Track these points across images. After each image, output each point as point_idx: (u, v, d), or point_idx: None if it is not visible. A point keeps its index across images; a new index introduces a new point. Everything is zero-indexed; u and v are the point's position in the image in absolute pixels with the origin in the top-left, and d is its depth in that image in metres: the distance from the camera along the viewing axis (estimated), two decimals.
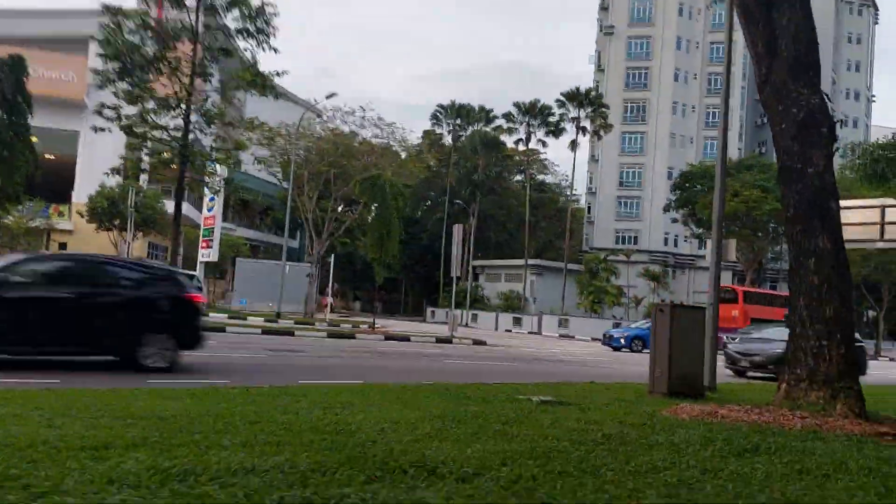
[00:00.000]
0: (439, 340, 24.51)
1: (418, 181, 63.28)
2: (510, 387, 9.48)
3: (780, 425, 6.32)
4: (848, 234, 13.23)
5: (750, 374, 17.20)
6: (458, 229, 26.75)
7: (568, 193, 77.11)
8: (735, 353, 17.68)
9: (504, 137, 66.52)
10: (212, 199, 29.89)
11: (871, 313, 59.75)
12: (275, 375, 10.01)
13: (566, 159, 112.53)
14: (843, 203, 15.01)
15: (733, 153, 62.74)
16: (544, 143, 64.30)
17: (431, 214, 71.45)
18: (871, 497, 4.01)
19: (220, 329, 19.45)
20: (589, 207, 73.74)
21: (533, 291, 59.17)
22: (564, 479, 3.91)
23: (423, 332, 29.48)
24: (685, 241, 62.45)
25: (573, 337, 41.15)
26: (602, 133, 58.72)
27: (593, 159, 73.08)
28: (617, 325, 37.94)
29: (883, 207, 12.59)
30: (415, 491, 3.45)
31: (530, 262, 61.97)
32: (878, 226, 12.57)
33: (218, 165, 23.77)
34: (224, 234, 36.55)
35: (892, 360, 44.32)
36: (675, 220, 56.96)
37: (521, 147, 65.30)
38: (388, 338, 23.79)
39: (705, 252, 60.18)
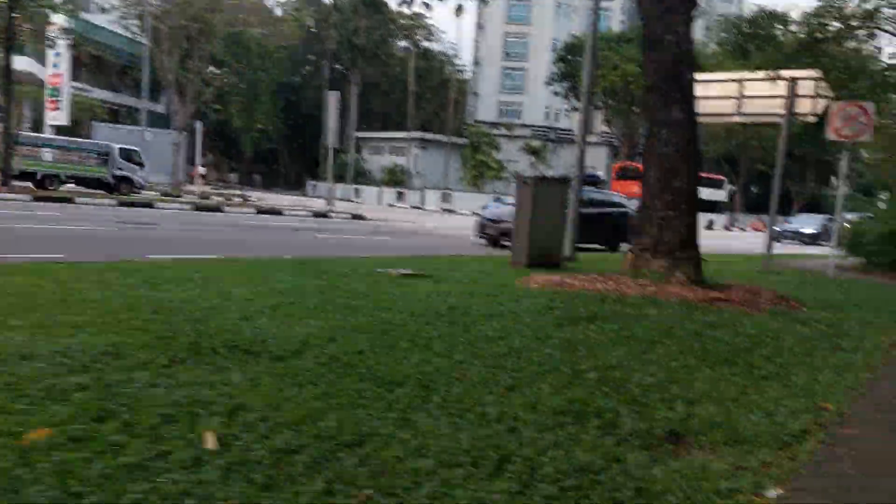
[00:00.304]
0: (315, 215, 23.91)
1: (295, 43, 59.53)
2: (375, 261, 9.29)
3: (622, 293, 6.51)
4: (708, 107, 13.62)
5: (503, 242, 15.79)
6: (333, 96, 25.53)
7: (454, 63, 75.62)
8: (484, 221, 15.98)
9: None
10: (56, 55, 26.66)
11: (730, 187, 64.22)
12: (120, 249, 9.27)
13: (454, 26, 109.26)
14: (703, 76, 15.32)
15: (616, 26, 62.97)
16: (428, 6, 61.62)
17: (312, 81, 68.05)
18: (690, 360, 4.16)
19: (67, 200, 17.92)
20: (474, 79, 72.75)
21: (416, 165, 58.79)
22: (393, 353, 3.76)
23: (299, 206, 28.69)
24: (566, 115, 63.43)
25: (456, 211, 41.62)
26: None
27: (479, 27, 71.27)
28: (497, 200, 38.56)
29: (741, 81, 12.93)
30: (221, 373, 3.17)
31: (415, 134, 61.07)
32: (736, 100, 12.96)
33: (54, 12, 20.88)
34: (78, 96, 33.04)
35: (743, 230, 48.33)
36: (556, 94, 57.35)
37: (406, 10, 62.28)
38: (261, 212, 22.90)
39: (595, 128, 61.67)
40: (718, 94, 13.26)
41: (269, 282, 6.36)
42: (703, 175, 54.97)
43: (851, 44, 14.88)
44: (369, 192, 51.92)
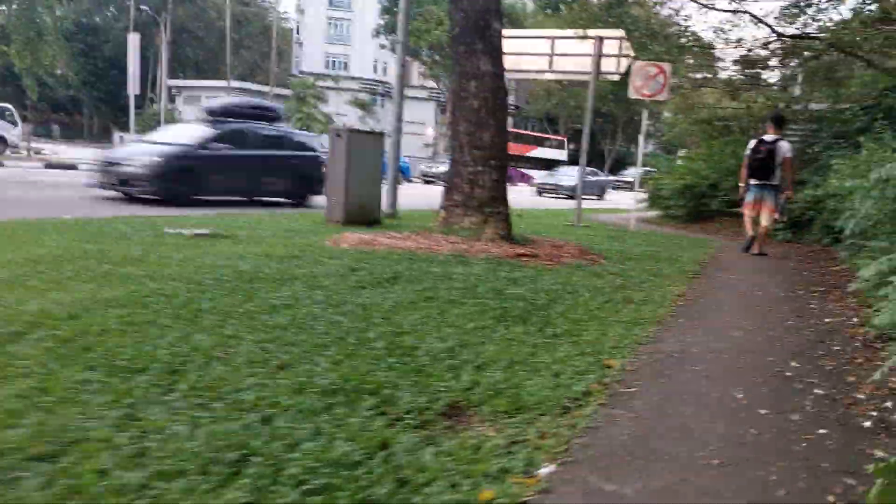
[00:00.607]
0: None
1: None
2: (169, 219, 8.40)
3: (432, 251, 6.32)
4: (522, 64, 13.84)
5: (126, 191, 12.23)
6: (133, 38, 23.10)
7: (277, 10, 71.87)
8: (104, 166, 12.43)
9: None
10: None
11: (571, 147, 67.46)
12: None
13: None
14: (517, 32, 15.58)
15: None
16: None
17: (116, 23, 61.66)
18: (487, 320, 4.00)
19: None
20: (298, 27, 69.75)
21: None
22: (146, 330, 3.21)
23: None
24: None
25: None
26: None
27: None
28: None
29: (553, 39, 13.21)
30: None
31: (234, 84, 57.47)
32: (549, 57, 13.23)
33: None
34: None
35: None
36: (383, 47, 56.49)
37: None
38: (50, 166, 20.34)
39: (413, 81, 61.53)
40: (532, 50, 13.46)
41: (26, 246, 5.42)
42: (547, 136, 58.36)
43: (655, 8, 15.75)
44: None
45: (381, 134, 10.66)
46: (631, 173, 41.53)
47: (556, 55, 13.19)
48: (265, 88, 56.52)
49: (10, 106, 24.60)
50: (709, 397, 2.95)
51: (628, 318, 4.42)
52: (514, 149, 38.20)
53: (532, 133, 50.73)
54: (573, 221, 12.91)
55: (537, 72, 13.74)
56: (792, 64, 16.85)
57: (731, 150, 15.11)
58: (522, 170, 44.01)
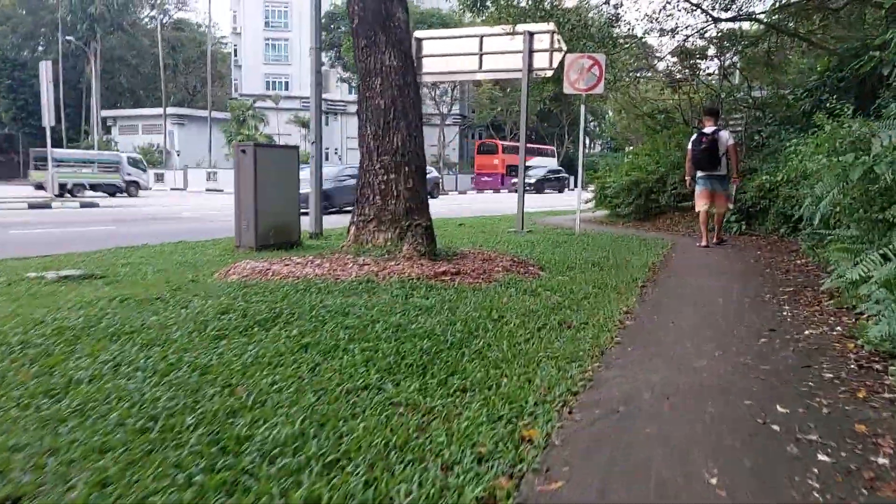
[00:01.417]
0: (33, 206, 20.13)
1: (18, 13, 51.12)
2: (42, 261, 7.23)
3: (336, 278, 5.29)
4: (448, 66, 12.97)
5: None
6: (44, 66, 21.57)
7: (214, 34, 70.17)
8: None
9: None
10: None
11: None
12: None
13: None
14: (442, 32, 14.69)
15: None
16: None
17: (45, 55, 59.18)
18: (370, 375, 2.99)
19: None
20: (236, 50, 68.10)
21: (174, 143, 53.75)
22: None
23: (17, 195, 24.21)
24: (336, 86, 61.62)
25: (223, 191, 38.23)
26: None
27: None
28: None
29: (481, 37, 12.35)
30: None
31: (170, 110, 55.75)
32: (478, 56, 12.37)
33: None
34: None
35: (510, 192, 50.31)
36: (322, 64, 55.30)
37: None
38: None
39: (356, 97, 60.48)
40: (460, 51, 12.59)
41: None
42: (540, 146, 59.86)
43: None
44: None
45: (295, 148, 9.59)
46: (535, 173, 42.41)
47: (486, 54, 12.33)
48: (203, 113, 54.85)
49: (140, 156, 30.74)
50: (667, 488, 1.99)
51: (563, 352, 3.46)
52: (511, 160, 42.92)
53: (494, 141, 53.22)
54: (516, 228, 12.03)
55: (467, 73, 12.86)
56: (729, 53, 16.35)
57: (675, 143, 14.48)
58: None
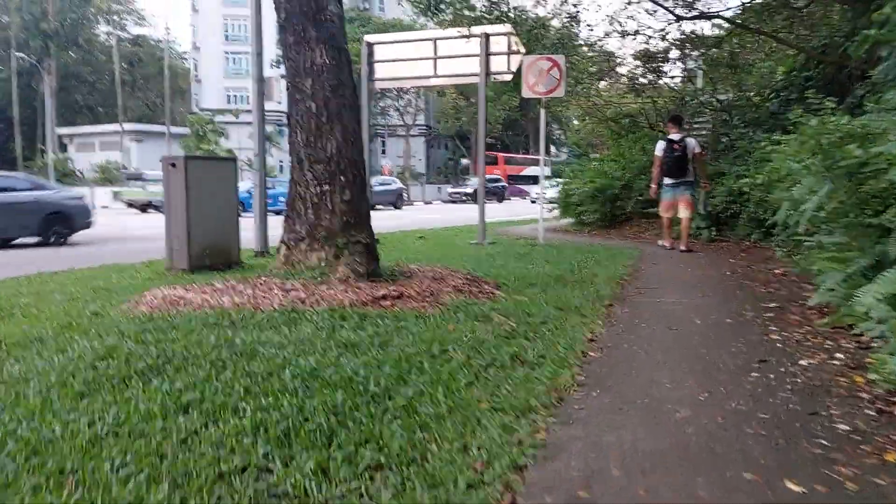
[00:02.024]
0: None
1: None
2: None
3: (256, 306, 4.55)
4: (402, 71, 12.31)
5: None
6: None
7: (174, 49, 68.83)
8: None
9: None
10: None
11: (465, 161, 66.60)
12: None
13: (174, 11, 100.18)
14: (395, 36, 14.07)
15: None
16: None
17: None
18: (249, 452, 2.27)
19: None
20: (195, 65, 66.79)
21: (132, 160, 52.27)
22: None
23: None
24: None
25: None
26: None
27: (194, 10, 65.35)
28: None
29: (435, 41, 11.73)
30: None
31: (128, 126, 54.27)
32: (433, 61, 11.73)
33: None
34: None
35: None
36: (283, 77, 54.29)
37: None
38: None
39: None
40: (414, 55, 11.94)
41: None
42: (534, 157, 61.42)
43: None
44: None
45: (233, 160, 8.82)
46: (474, 183, 40.24)
47: (441, 58, 11.69)
48: (162, 129, 53.47)
49: None
50: None
51: (512, 401, 2.77)
52: (511, 170, 46.67)
53: (520, 155, 56.61)
54: (478, 240, 11.38)
55: (422, 78, 12.20)
56: (693, 54, 15.97)
57: (640, 147, 14.00)
58: (520, 186, 50.06)
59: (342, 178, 5.39)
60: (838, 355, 3.49)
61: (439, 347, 3.60)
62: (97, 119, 60.66)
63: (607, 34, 13.73)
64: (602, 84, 22.36)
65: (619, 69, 15.82)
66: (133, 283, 6.82)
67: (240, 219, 8.56)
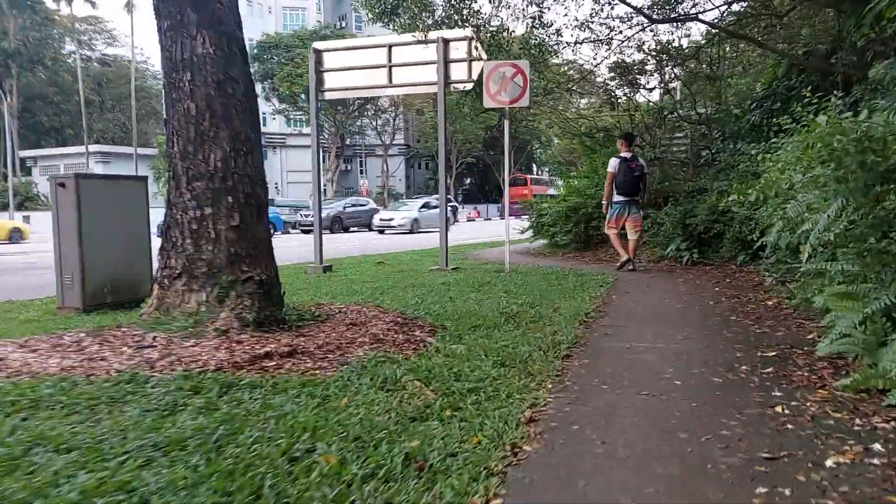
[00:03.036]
0: None
1: None
2: None
3: (89, 372, 3.39)
4: (354, 80, 11.25)
5: None
6: None
7: (145, 67, 67.52)
8: None
9: None
10: None
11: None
12: None
13: (143, 31, 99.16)
14: (346, 43, 13.05)
15: (311, 24, 60.99)
16: (94, 4, 53.52)
17: None
18: None
19: None
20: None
21: None
22: None
23: None
24: (273, 118, 59.53)
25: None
26: None
27: None
28: None
29: (390, 47, 10.69)
30: None
31: (95, 148, 52.80)
32: (387, 69, 10.69)
33: None
34: None
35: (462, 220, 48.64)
36: (257, 96, 53.14)
37: (66, 8, 53.42)
38: None
39: (297, 130, 58.45)
40: (367, 63, 10.90)
41: None
42: (538, 177, 62.33)
43: None
44: (42, 217, 42.88)
45: (142, 179, 7.66)
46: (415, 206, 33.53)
47: (396, 66, 10.67)
48: (128, 150, 52.07)
49: None
50: None
51: None
52: (537, 190, 43.84)
53: (523, 175, 55.49)
54: (440, 265, 10.28)
55: (376, 88, 11.13)
56: (669, 66, 15.09)
57: None
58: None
59: (229, 197, 4.27)
60: (876, 447, 2.41)
61: (305, 444, 2.47)
62: (65, 141, 59.10)
63: (578, 42, 12.71)
64: (583, 102, 21.53)
65: (593, 80, 14.90)
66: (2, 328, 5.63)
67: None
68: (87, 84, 61.35)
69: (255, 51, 51.32)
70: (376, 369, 3.51)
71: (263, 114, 60.84)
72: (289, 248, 16.75)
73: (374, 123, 58.02)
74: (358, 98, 48.21)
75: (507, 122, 9.89)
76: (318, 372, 3.48)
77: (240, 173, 4.33)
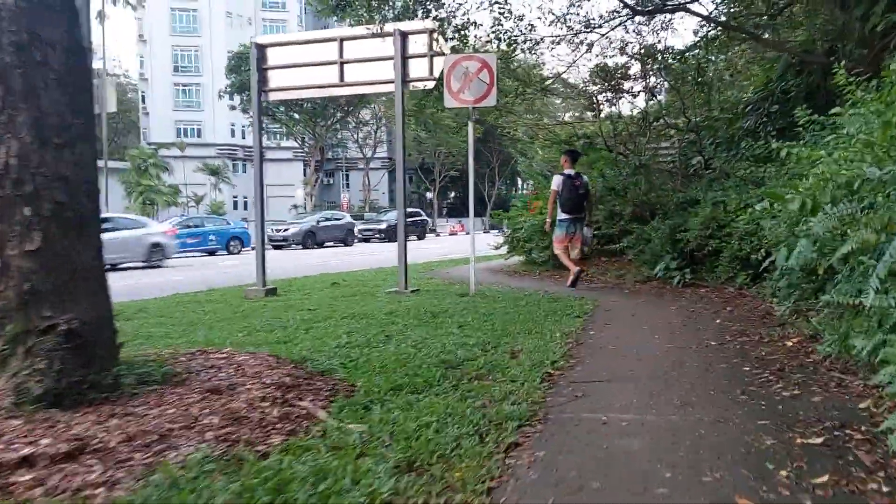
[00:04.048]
0: None
1: None
2: None
3: None
4: (302, 79, 9.95)
5: None
6: None
7: (126, 80, 66.09)
8: None
9: None
10: None
11: (429, 195, 64.55)
12: None
13: (124, 41, 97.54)
14: (291, 37, 11.77)
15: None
16: None
17: None
18: None
19: None
20: (143, 96, 64.13)
21: None
22: None
23: None
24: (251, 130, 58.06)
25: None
26: (133, 3, 49.33)
27: (141, 40, 62.93)
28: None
29: (341, 40, 9.40)
30: None
31: None
32: (338, 66, 9.40)
33: None
34: None
35: (439, 235, 47.45)
36: (233, 108, 51.77)
37: None
38: None
39: (276, 143, 57.07)
40: (315, 59, 9.62)
41: None
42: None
43: None
44: None
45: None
46: (390, 218, 33.64)
47: (348, 62, 9.39)
48: (98, 163, 50.45)
49: None
50: None
51: None
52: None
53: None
54: (398, 287, 8.97)
55: (325, 87, 9.81)
56: (654, 69, 13.88)
57: (598, 172, 11.80)
58: None
59: (26, 209, 2.92)
60: None
61: None
62: None
63: (554, 41, 11.50)
64: (561, 104, 20.32)
65: (571, 83, 13.71)
66: None
67: None
68: None
69: (233, 62, 49.97)
70: (195, 485, 2.16)
71: (244, 126, 59.61)
72: (250, 266, 15.35)
73: (354, 136, 56.77)
74: (337, 110, 47.00)
75: (470, 125, 8.60)
76: (98, 492, 2.13)
77: (46, 175, 2.99)
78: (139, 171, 46.13)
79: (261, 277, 9.52)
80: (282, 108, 45.45)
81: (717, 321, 5.85)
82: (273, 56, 9.79)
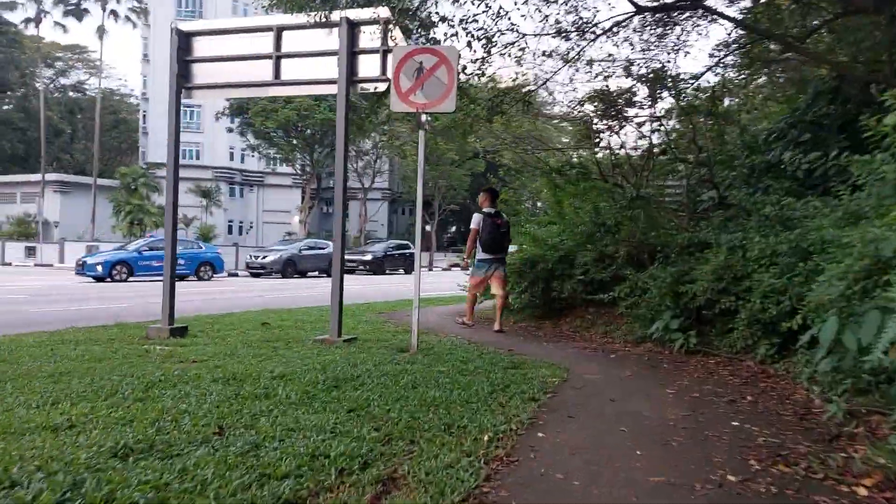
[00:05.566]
0: None
1: None
2: None
3: None
4: (232, 75, 8.21)
5: None
6: None
7: (126, 99, 65.32)
8: None
9: (7, 15, 51.35)
10: None
11: (427, 227, 62.90)
12: None
13: (127, 60, 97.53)
14: (223, 23, 9.99)
15: None
16: (65, 29, 51.19)
17: None
18: None
19: None
20: (144, 116, 63.21)
21: (54, 213, 47.56)
22: None
23: None
24: (252, 155, 56.68)
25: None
26: (137, 19, 48.53)
27: (145, 59, 62.19)
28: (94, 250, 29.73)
29: (278, 30, 7.68)
30: None
31: (54, 177, 49.91)
32: (272, 61, 7.66)
33: None
34: None
35: (437, 268, 45.49)
36: (230, 130, 50.50)
37: (33, 30, 51.03)
38: None
39: (273, 168, 55.65)
40: (245, 52, 7.90)
41: None
42: None
43: None
44: None
45: None
46: (377, 250, 34.82)
47: (286, 57, 7.66)
48: (88, 180, 49.04)
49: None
50: None
51: None
52: None
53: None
54: (329, 334, 7.11)
55: (257, 86, 8.04)
56: (664, 95, 12.07)
57: (591, 205, 9.91)
58: None
59: None
60: None
61: None
62: (31, 170, 56.15)
63: (547, 54, 9.75)
64: (553, 126, 18.58)
65: (566, 101, 12.00)
66: None
67: None
68: (56, 111, 58.74)
69: None
70: None
71: (243, 150, 58.31)
72: (212, 295, 13.53)
73: (353, 166, 55.31)
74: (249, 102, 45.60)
75: (421, 135, 6.77)
76: None
77: None
78: (129, 190, 44.62)
79: (167, 313, 7.68)
80: (279, 133, 44.08)
81: (736, 421, 3.93)
82: (200, 47, 8.07)
